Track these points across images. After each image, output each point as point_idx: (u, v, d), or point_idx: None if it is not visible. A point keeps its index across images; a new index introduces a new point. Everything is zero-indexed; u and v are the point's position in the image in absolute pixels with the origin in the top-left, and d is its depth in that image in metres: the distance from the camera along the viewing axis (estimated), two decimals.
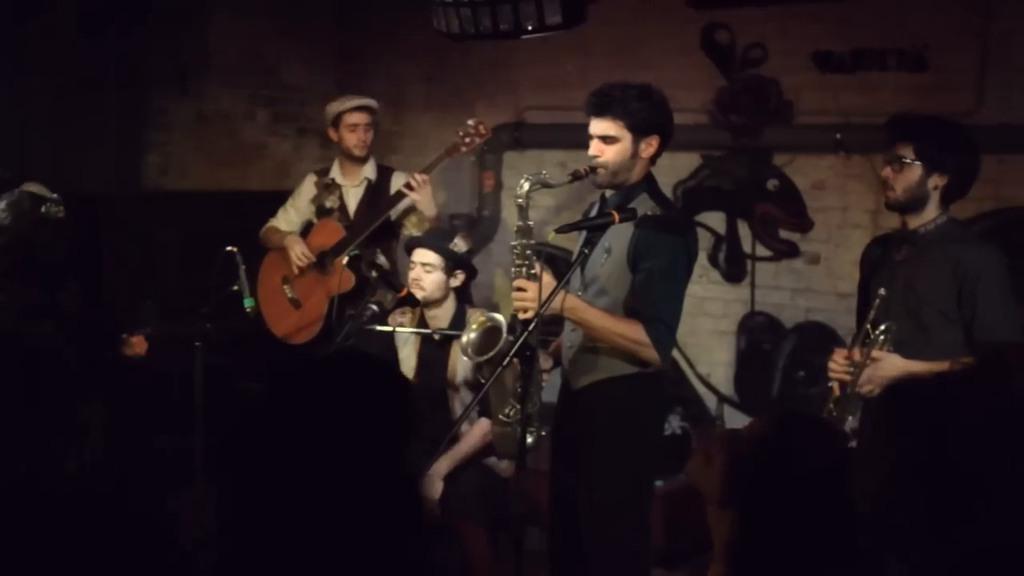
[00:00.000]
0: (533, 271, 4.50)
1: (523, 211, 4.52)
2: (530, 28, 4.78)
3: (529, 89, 7.89)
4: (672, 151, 6.62)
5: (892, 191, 4.59)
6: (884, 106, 6.53)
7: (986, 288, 4.48)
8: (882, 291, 4.52)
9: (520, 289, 4.46)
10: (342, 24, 8.60)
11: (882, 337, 4.47)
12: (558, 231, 4.54)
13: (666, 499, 6.05)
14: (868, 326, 4.51)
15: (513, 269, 4.55)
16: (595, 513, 4.63)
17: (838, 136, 6.78)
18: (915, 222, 4.62)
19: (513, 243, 4.55)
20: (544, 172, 4.73)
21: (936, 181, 4.56)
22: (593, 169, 4.59)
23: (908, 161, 4.54)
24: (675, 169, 7.25)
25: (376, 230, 6.49)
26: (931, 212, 4.60)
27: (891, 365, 4.45)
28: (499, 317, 4.77)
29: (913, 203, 4.58)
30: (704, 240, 7.24)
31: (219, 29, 8.26)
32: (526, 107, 7.93)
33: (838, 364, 4.56)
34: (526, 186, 4.50)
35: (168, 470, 6.70)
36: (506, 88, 7.95)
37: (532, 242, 4.53)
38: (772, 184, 7.14)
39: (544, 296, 4.32)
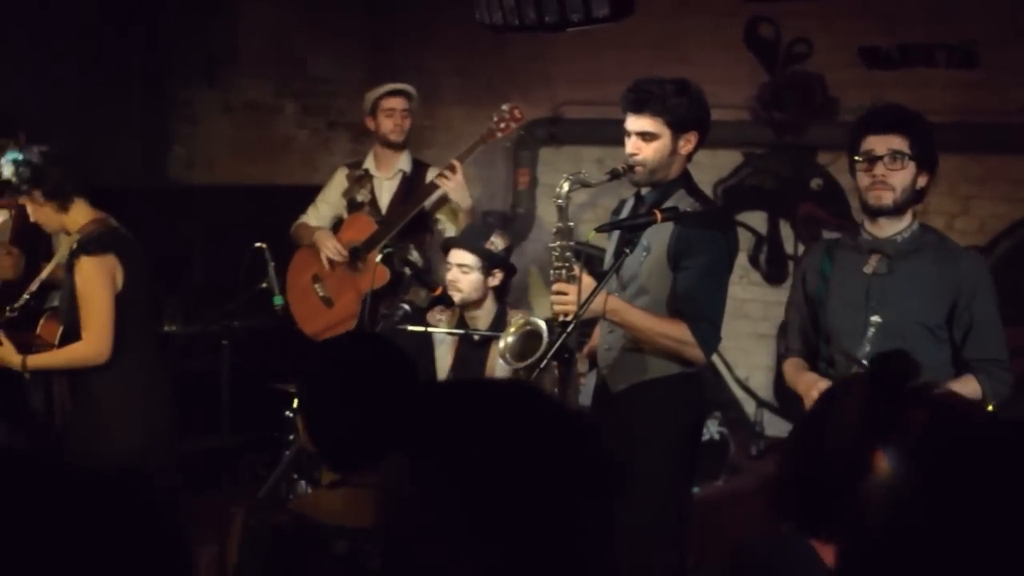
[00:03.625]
0: (573, 273, 4.51)
1: (563, 212, 4.53)
2: (576, 20, 4.79)
3: (565, 83, 7.91)
4: (713, 148, 6.65)
5: (890, 191, 4.23)
6: (932, 103, 6.51)
7: (983, 304, 4.27)
8: (876, 318, 4.19)
9: (560, 292, 4.50)
10: (373, 15, 8.64)
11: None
12: (599, 230, 4.58)
13: (703, 506, 6.07)
14: (864, 360, 4.12)
15: (552, 272, 4.55)
16: (634, 517, 4.65)
17: None
18: (888, 230, 4.33)
19: (552, 244, 4.55)
20: (583, 172, 4.75)
21: (922, 181, 4.30)
22: (631, 167, 4.61)
23: (907, 154, 4.23)
24: (716, 167, 7.27)
25: (409, 224, 6.51)
26: (907, 218, 4.33)
27: None
28: (539, 321, 4.78)
29: (904, 206, 4.29)
30: (745, 240, 7.25)
31: (247, 19, 8.31)
32: (562, 102, 7.95)
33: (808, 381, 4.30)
34: (566, 187, 4.52)
35: (195, 471, 6.78)
36: (542, 82, 7.97)
37: (572, 243, 4.53)
38: (816, 183, 7.15)
39: (584, 298, 4.36)
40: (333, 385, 2.98)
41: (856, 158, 4.30)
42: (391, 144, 6.65)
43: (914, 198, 4.32)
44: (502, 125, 6.40)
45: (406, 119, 6.65)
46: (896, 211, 4.29)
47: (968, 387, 4.21)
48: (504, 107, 6.43)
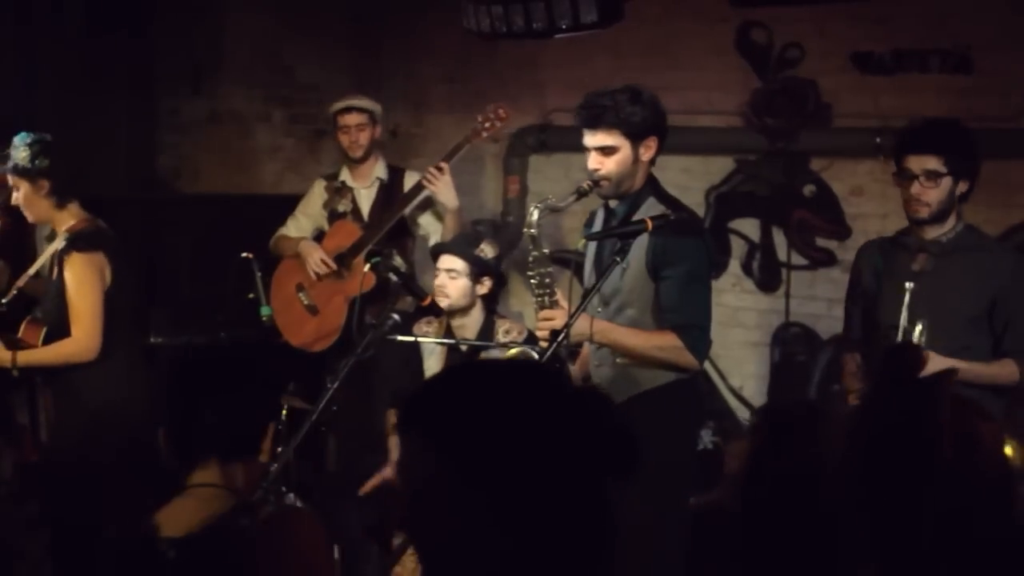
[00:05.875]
0: (555, 299, 4.56)
1: (536, 241, 4.59)
2: (564, 27, 4.80)
3: (556, 90, 7.89)
4: (705, 155, 6.68)
5: (926, 207, 4.58)
6: (926, 109, 6.54)
7: (1019, 300, 4.56)
8: (910, 285, 4.54)
9: (547, 319, 4.52)
10: (360, 22, 8.63)
11: (917, 333, 4.46)
12: (589, 238, 4.60)
13: (696, 516, 6.05)
14: (905, 323, 4.48)
15: (535, 300, 4.60)
16: (635, 527, 4.65)
17: (878, 140, 6.77)
18: (932, 232, 4.67)
19: (530, 273, 4.60)
20: (550, 197, 4.76)
21: (961, 188, 4.61)
22: (596, 183, 4.64)
23: (942, 173, 4.54)
24: (708, 174, 7.26)
25: (391, 230, 6.51)
26: (951, 221, 4.66)
27: (935, 364, 4.41)
28: (532, 352, 4.80)
29: (943, 215, 4.62)
30: (738, 248, 7.26)
31: (233, 27, 8.31)
32: (552, 109, 7.93)
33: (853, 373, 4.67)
34: (535, 215, 4.57)
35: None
36: (532, 89, 7.97)
37: (550, 270, 4.59)
38: (809, 190, 7.14)
39: (571, 315, 4.38)
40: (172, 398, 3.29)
41: (895, 174, 4.66)
42: (352, 159, 6.67)
43: (952, 206, 4.66)
44: (487, 125, 6.40)
45: (361, 133, 6.65)
46: (934, 220, 4.65)
47: (1006, 369, 4.59)
48: (489, 106, 6.43)
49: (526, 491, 1.73)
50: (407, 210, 6.55)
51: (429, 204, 6.55)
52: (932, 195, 4.57)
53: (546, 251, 4.61)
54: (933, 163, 4.55)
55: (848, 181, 7.02)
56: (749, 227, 7.34)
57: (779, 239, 7.26)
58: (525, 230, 4.62)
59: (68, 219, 5.41)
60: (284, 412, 5.53)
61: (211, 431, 3.17)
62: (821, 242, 7.11)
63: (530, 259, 4.60)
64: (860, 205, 6.98)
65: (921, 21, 6.67)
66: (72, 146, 7.46)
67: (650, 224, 4.41)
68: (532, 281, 4.58)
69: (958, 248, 4.62)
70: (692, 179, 7.09)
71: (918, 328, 4.48)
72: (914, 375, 2.15)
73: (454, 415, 1.77)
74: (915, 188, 4.57)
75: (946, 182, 4.57)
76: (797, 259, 7.20)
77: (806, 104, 7.05)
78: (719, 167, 7.35)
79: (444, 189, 6.35)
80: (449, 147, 6.55)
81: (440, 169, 6.33)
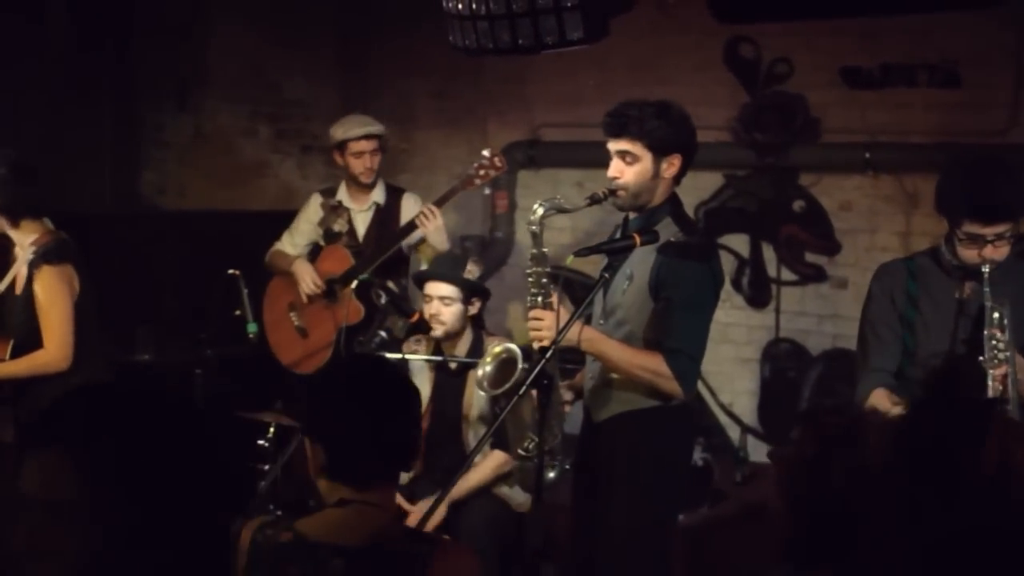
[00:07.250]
0: (549, 300, 4.51)
1: (537, 238, 4.53)
2: (550, 43, 4.78)
3: (544, 105, 7.93)
4: (694, 170, 6.64)
5: (992, 263, 4.35)
6: (914, 123, 6.60)
7: None
8: (989, 304, 4.31)
9: (536, 319, 4.49)
10: (347, 37, 8.65)
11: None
12: (577, 255, 4.55)
13: (687, 533, 6.07)
14: (989, 303, 4.29)
15: (528, 298, 4.55)
16: (611, 548, 4.66)
17: (867, 155, 6.82)
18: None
19: (528, 271, 4.55)
20: (559, 197, 4.72)
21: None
22: (613, 192, 4.60)
23: (1014, 233, 4.37)
24: (697, 189, 7.28)
25: (386, 258, 6.50)
26: None
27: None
28: (514, 348, 4.78)
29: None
30: (727, 264, 7.27)
31: (219, 42, 8.31)
32: (541, 124, 7.97)
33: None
34: (539, 212, 4.50)
35: None
36: (520, 104, 7.99)
37: (548, 270, 4.53)
38: (798, 205, 7.18)
39: (562, 325, 4.36)
40: (352, 406, 3.00)
41: (960, 236, 4.39)
42: (362, 184, 6.62)
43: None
44: (481, 172, 6.34)
45: (376, 158, 6.61)
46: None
47: None
48: (485, 153, 6.35)
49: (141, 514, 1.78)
50: (399, 244, 6.49)
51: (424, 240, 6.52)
52: (1004, 250, 4.38)
53: (545, 250, 4.54)
54: (1003, 228, 4.35)
55: (837, 196, 7.05)
56: (738, 243, 7.37)
57: (768, 254, 7.29)
58: (527, 226, 4.58)
59: (29, 234, 5.44)
60: (271, 430, 5.54)
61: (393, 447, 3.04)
62: (811, 257, 7.15)
63: (529, 256, 4.57)
64: (849, 220, 7.01)
65: (909, 36, 6.70)
66: (57, 161, 7.50)
67: (638, 241, 4.37)
68: (529, 279, 4.55)
69: (1007, 277, 4.42)
70: (681, 194, 7.05)
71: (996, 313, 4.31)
72: (965, 394, 2.14)
73: (96, 434, 1.82)
74: (987, 251, 4.34)
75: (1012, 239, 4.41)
76: (787, 275, 7.24)
77: (795, 119, 7.08)
78: (708, 182, 7.38)
79: (435, 232, 6.33)
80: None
81: (432, 212, 6.30)
